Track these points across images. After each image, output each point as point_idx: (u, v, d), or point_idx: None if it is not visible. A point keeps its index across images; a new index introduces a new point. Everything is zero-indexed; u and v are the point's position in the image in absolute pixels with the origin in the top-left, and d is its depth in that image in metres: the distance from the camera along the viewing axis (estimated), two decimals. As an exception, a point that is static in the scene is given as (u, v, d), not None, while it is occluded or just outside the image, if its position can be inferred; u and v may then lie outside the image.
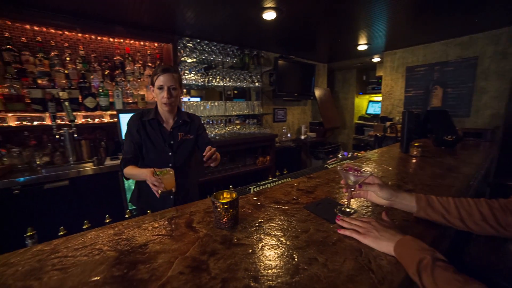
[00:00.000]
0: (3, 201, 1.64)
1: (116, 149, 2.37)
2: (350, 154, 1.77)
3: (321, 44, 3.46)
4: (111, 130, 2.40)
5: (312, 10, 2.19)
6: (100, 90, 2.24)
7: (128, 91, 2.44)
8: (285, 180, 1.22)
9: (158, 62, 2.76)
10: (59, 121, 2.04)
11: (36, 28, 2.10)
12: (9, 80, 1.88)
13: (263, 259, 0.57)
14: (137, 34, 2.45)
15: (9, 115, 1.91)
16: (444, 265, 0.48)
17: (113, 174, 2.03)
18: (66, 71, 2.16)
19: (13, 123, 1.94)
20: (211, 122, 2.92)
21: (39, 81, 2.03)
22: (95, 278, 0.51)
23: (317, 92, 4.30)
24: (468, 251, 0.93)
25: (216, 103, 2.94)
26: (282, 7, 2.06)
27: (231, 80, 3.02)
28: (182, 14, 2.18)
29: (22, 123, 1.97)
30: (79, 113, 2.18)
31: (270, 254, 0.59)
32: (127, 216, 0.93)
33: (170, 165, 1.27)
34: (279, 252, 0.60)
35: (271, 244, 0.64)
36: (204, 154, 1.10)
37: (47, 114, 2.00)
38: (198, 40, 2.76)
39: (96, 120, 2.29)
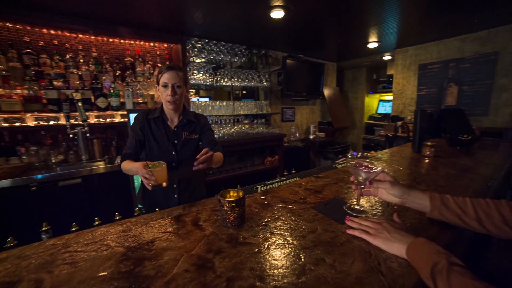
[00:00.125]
0: (21, 197, 1.71)
1: (126, 148, 2.42)
2: (360, 154, 1.73)
3: (330, 43, 3.41)
4: (121, 130, 2.46)
5: (321, 8, 2.16)
6: (112, 91, 2.30)
7: (138, 91, 2.49)
8: (292, 179, 1.21)
9: (167, 63, 2.81)
10: (72, 121, 2.11)
11: (52, 32, 2.19)
12: (28, 82, 1.97)
13: (269, 258, 0.57)
14: (147, 35, 2.51)
15: (28, 115, 2.00)
16: (461, 270, 0.45)
17: (123, 173, 2.07)
18: (79, 73, 2.23)
19: (31, 123, 2.02)
20: (219, 122, 2.94)
21: (55, 83, 2.10)
22: (103, 273, 0.52)
23: (326, 92, 4.24)
24: (487, 256, 0.88)
25: (224, 103, 2.96)
26: (290, 5, 2.05)
27: (239, 80, 3.02)
28: (191, 15, 2.21)
29: (39, 123, 2.05)
30: (91, 113, 2.25)
31: (277, 253, 0.59)
32: (136, 213, 0.95)
33: (174, 164, 1.26)
34: (285, 252, 0.59)
35: (278, 244, 0.63)
36: (197, 157, 0.99)
37: (62, 114, 2.08)
38: (207, 40, 2.78)
39: (108, 119, 2.35)
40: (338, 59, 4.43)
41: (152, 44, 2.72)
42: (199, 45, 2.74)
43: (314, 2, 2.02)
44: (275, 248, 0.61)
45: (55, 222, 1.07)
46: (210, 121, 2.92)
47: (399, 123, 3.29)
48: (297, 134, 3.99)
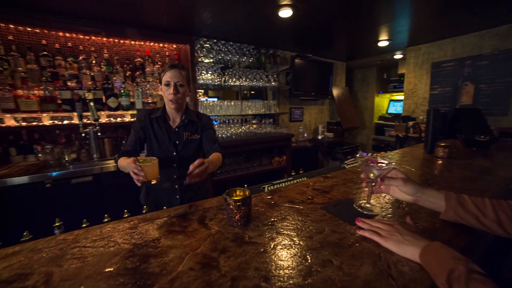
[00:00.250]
0: (37, 193, 1.78)
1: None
2: (369, 154, 1.69)
3: (339, 42, 3.36)
4: (131, 129, 2.50)
5: (329, 6, 2.12)
6: (122, 91, 2.36)
7: (147, 91, 2.54)
8: (300, 179, 1.19)
9: (176, 63, 2.84)
10: (85, 120, 2.17)
11: (67, 34, 2.27)
12: (44, 83, 2.05)
13: (275, 259, 0.56)
14: (157, 36, 2.55)
15: (44, 115, 2.08)
16: (481, 279, 0.41)
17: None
18: (92, 73, 2.30)
19: (47, 122, 2.10)
20: (227, 122, 2.94)
21: (69, 83, 2.18)
22: (109, 269, 0.53)
23: (335, 91, 4.18)
24: (508, 263, 0.82)
25: (232, 103, 2.96)
26: (298, 4, 2.03)
27: (248, 80, 3.02)
28: (199, 15, 2.23)
29: (54, 122, 2.13)
30: (102, 113, 2.31)
31: (283, 254, 0.57)
32: (144, 211, 0.96)
33: (175, 165, 1.24)
34: (291, 252, 0.58)
35: (284, 244, 0.62)
36: (190, 171, 0.88)
37: (75, 113, 2.14)
38: (215, 41, 2.80)
39: (118, 119, 2.41)
40: (348, 58, 4.36)
41: (161, 45, 2.76)
42: (208, 45, 2.76)
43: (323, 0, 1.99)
44: (281, 249, 0.60)
45: (67, 218, 1.10)
46: (218, 121, 2.94)
47: (410, 123, 3.20)
48: (305, 134, 3.96)
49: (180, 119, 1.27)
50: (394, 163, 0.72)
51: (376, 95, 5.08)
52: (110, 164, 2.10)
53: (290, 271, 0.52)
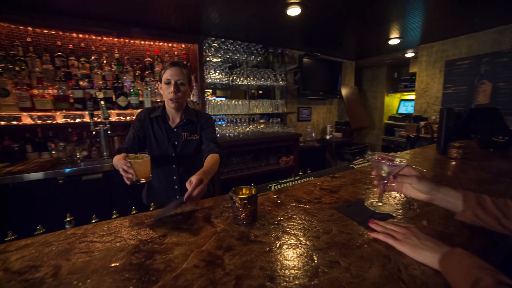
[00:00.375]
0: (50, 188, 1.84)
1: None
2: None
3: (348, 40, 3.30)
4: (131, 127, 2.55)
5: (338, 3, 2.08)
6: (131, 90, 2.40)
7: (156, 90, 2.57)
8: (307, 179, 1.17)
9: (184, 62, 2.87)
10: (96, 119, 2.22)
11: (80, 35, 2.34)
12: (58, 83, 2.12)
13: (281, 258, 0.55)
14: (166, 36, 2.59)
15: (57, 113, 2.15)
16: None
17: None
18: (103, 73, 2.35)
19: (60, 120, 2.17)
20: (234, 121, 2.95)
21: (81, 83, 2.24)
22: (115, 264, 0.53)
23: (344, 91, 4.11)
24: None
25: (240, 102, 2.97)
26: (307, 1, 2.00)
27: (255, 79, 3.02)
28: (208, 15, 2.24)
29: (67, 120, 2.19)
30: (112, 111, 2.36)
31: (288, 253, 0.56)
32: (151, 208, 0.97)
33: (174, 166, 1.23)
34: (298, 252, 0.57)
35: (290, 244, 0.60)
36: (188, 192, 0.80)
37: (86, 112, 2.20)
38: (223, 40, 2.81)
39: (128, 118, 2.45)
40: (357, 57, 4.28)
41: (170, 44, 2.80)
42: (216, 44, 2.77)
43: (332, -3, 1.96)
44: (287, 248, 0.58)
45: (78, 214, 1.12)
46: (226, 120, 2.95)
47: (422, 123, 3.10)
48: (313, 134, 3.91)
49: (180, 119, 1.24)
50: (404, 161, 0.69)
51: (386, 94, 4.97)
52: (120, 161, 2.15)
53: (296, 271, 0.50)
